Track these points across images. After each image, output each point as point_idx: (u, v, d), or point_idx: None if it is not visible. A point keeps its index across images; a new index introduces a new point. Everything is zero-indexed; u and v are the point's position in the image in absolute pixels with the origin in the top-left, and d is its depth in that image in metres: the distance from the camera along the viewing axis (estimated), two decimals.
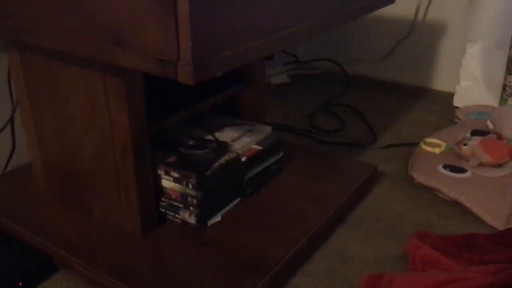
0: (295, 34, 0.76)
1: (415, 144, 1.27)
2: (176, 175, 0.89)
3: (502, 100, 1.49)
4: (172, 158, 0.93)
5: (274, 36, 0.70)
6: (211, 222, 0.93)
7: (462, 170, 1.12)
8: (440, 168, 1.14)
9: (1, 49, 1.06)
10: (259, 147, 1.02)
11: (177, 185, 0.90)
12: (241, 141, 1.01)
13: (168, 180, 0.90)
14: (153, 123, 0.85)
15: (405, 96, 1.66)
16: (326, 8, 0.83)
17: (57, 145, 0.94)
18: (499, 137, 1.21)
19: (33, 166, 1.01)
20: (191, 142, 0.99)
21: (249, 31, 0.65)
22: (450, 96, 1.59)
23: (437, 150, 1.22)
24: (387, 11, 1.66)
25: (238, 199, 0.99)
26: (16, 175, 1.09)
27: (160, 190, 0.92)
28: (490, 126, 1.29)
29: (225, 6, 0.60)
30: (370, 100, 1.64)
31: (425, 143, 1.25)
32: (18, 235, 0.92)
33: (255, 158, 1.01)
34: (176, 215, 0.92)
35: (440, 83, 1.68)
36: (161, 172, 0.91)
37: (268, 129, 1.08)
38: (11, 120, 1.10)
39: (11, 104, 1.09)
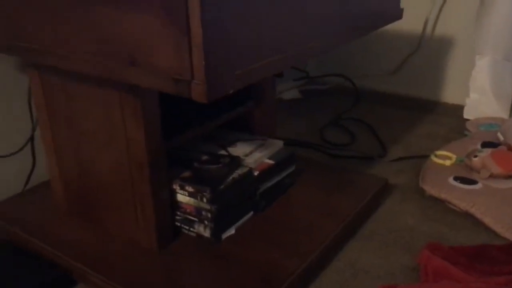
0: (304, 51, 0.78)
1: (426, 157, 1.29)
2: (190, 189, 0.92)
3: None
4: (186, 173, 0.95)
5: (284, 54, 0.73)
6: (225, 235, 0.95)
7: (473, 182, 1.13)
8: (451, 180, 1.15)
9: (22, 70, 1.10)
10: (271, 162, 1.04)
11: (191, 199, 0.92)
12: (253, 155, 1.03)
13: (183, 194, 0.93)
14: (168, 140, 0.88)
15: (415, 109, 1.67)
16: (335, 25, 0.85)
17: (75, 162, 0.97)
18: (510, 148, 1.21)
19: (52, 183, 1.05)
20: (204, 157, 1.01)
21: (259, 50, 0.68)
22: (460, 108, 1.60)
23: (447, 162, 1.23)
24: (395, 26, 1.68)
25: (251, 213, 1.01)
26: (36, 192, 1.13)
27: (175, 205, 0.95)
28: (501, 137, 1.30)
29: (236, 27, 0.62)
30: (380, 114, 1.65)
31: (436, 156, 1.26)
32: (38, 250, 0.95)
33: (268, 172, 1.03)
34: (191, 229, 0.95)
35: (449, 96, 1.69)
36: (176, 187, 0.93)
37: (279, 144, 1.10)
38: (32, 138, 1.14)
39: (31, 123, 1.13)
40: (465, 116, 1.57)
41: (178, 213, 0.95)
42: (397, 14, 1.03)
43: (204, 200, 0.91)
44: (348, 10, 0.87)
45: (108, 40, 0.66)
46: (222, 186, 0.93)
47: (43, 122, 0.99)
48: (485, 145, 1.27)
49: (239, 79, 0.66)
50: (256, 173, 1.00)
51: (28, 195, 1.13)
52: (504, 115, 1.51)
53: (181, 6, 0.57)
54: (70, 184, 1.01)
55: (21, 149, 1.13)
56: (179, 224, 0.96)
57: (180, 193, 0.93)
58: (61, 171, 1.01)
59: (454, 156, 1.25)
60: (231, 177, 0.95)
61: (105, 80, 0.80)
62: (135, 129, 0.82)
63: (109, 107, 0.85)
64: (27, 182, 1.15)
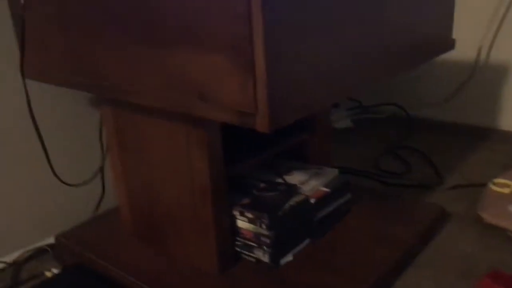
0: (360, 83, 0.82)
1: (483, 185, 1.27)
2: (250, 216, 0.96)
3: None
4: (246, 200, 1.00)
5: (340, 86, 0.77)
6: (283, 261, 0.98)
7: None
8: (510, 207, 1.14)
9: (93, 103, 1.20)
10: (326, 189, 1.07)
11: (251, 225, 0.96)
12: (309, 183, 1.07)
13: (243, 220, 0.97)
14: (230, 168, 0.93)
15: (471, 137, 1.66)
16: (389, 57, 0.88)
17: (143, 189, 1.03)
18: None
19: (120, 209, 1.12)
20: (262, 185, 1.06)
21: (317, 83, 0.72)
22: None
23: (506, 190, 1.21)
24: (449, 53, 1.69)
25: (308, 239, 1.04)
26: (105, 218, 1.20)
27: (235, 230, 0.99)
28: None
29: (297, 63, 0.67)
30: (435, 142, 1.65)
31: (494, 184, 1.25)
32: (107, 272, 1.01)
33: (323, 200, 1.06)
34: (251, 254, 0.98)
35: (506, 123, 1.67)
36: (236, 213, 0.98)
37: (334, 172, 1.13)
38: (102, 167, 1.22)
39: (102, 152, 1.21)
40: None
41: (238, 238, 0.99)
42: (450, 45, 1.05)
43: (263, 226, 0.95)
44: (400, 42, 0.90)
45: (179, 78, 0.73)
46: (279, 213, 0.96)
47: (114, 152, 1.06)
48: None
49: (298, 111, 0.70)
50: (312, 201, 1.03)
51: (97, 221, 1.20)
52: None
53: (246, 46, 0.62)
54: (137, 209, 1.07)
55: (92, 178, 1.22)
56: (239, 249, 1.00)
57: (240, 219, 0.98)
58: (129, 197, 1.08)
59: None
60: (288, 204, 0.99)
61: (173, 112, 0.87)
62: (199, 158, 0.88)
63: (175, 138, 0.91)
64: (97, 208, 1.24)
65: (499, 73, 1.64)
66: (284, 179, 1.08)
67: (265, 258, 0.97)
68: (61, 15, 0.87)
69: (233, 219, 0.98)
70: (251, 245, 0.98)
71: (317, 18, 0.69)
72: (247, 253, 0.99)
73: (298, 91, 0.69)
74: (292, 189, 1.04)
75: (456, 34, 1.61)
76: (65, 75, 0.91)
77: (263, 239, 0.96)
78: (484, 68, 1.66)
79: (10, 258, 1.12)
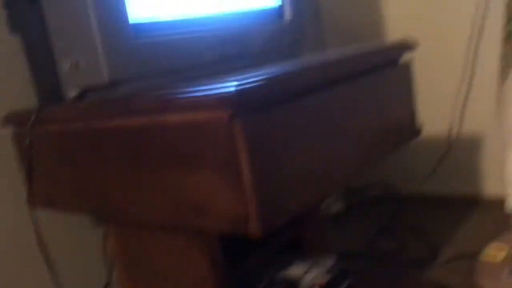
0: (344, 179, 0.90)
1: (477, 254, 1.31)
2: None
3: None
4: None
5: (324, 186, 0.85)
6: None
7: None
8: (506, 273, 1.17)
9: (97, 220, 1.26)
10: (327, 277, 1.11)
11: None
12: (309, 274, 1.11)
13: None
14: (232, 272, 0.98)
15: (458, 208, 1.71)
16: (364, 152, 0.97)
17: None
18: None
19: None
20: (264, 282, 1.09)
21: (301, 187, 0.80)
22: (502, 200, 1.63)
23: (501, 256, 1.25)
24: (426, 132, 1.80)
25: None
26: None
27: None
28: None
29: (280, 173, 0.75)
30: (425, 216, 1.70)
31: (488, 251, 1.29)
32: None
33: None
34: None
35: (490, 190, 1.74)
36: None
37: (332, 259, 1.17)
38: (108, 283, 1.25)
39: (106, 268, 1.25)
40: (509, 209, 1.60)
41: None
42: (416, 133, 1.14)
43: None
44: (372, 139, 1.00)
45: (175, 196, 0.80)
46: None
47: (119, 266, 1.11)
48: None
49: (288, 213, 0.77)
50: None
51: None
52: None
53: (233, 165, 0.70)
54: None
55: None
56: None
57: None
58: None
59: (505, 249, 1.27)
60: None
61: (173, 227, 0.93)
62: (202, 267, 0.93)
63: (177, 250, 0.96)
64: None
65: (474, 142, 1.74)
66: (284, 273, 1.12)
67: None
68: (68, 150, 0.96)
69: None
70: None
71: (295, 135, 0.79)
72: None
73: (285, 196, 0.77)
74: (294, 283, 1.08)
75: (428, 114, 1.73)
76: (72, 203, 0.98)
77: None
78: (458, 141, 1.76)
79: None
